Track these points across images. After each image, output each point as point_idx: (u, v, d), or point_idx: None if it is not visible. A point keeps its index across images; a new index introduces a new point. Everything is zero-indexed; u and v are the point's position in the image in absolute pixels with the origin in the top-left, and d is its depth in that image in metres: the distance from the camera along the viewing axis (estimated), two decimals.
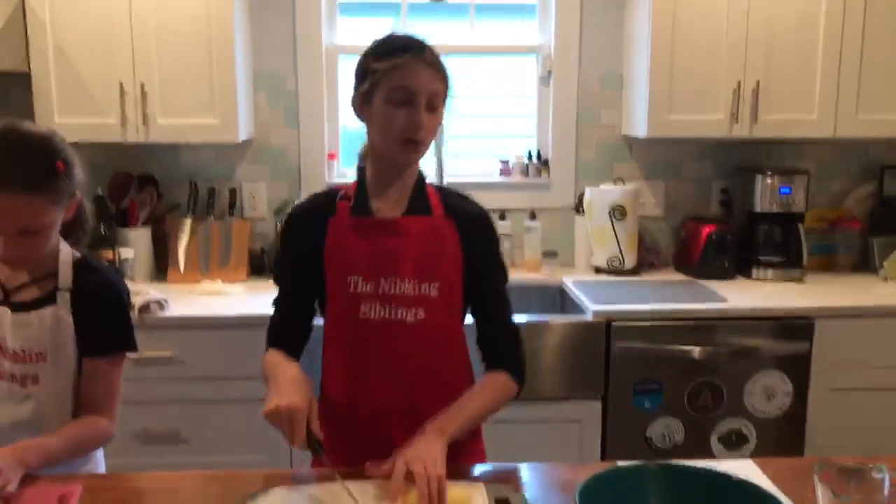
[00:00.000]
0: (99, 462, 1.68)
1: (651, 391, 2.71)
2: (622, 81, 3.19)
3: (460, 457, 1.51)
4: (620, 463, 1.37)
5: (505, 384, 1.58)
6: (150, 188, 3.08)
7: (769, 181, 3.04)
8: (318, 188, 3.10)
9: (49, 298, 1.55)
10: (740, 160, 3.25)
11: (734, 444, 2.74)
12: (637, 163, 3.28)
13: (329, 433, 1.47)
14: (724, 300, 2.77)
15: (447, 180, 3.00)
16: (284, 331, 1.63)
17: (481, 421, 1.58)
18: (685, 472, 1.29)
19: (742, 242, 3.13)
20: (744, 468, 1.45)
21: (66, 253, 1.58)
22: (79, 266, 1.59)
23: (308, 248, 1.57)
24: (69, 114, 2.75)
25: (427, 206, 1.57)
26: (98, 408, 1.58)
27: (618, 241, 3.09)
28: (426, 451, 1.36)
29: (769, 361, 2.70)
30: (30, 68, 2.72)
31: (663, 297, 2.81)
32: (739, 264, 3.12)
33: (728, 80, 2.89)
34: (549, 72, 3.23)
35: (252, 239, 3.12)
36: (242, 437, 2.61)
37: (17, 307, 1.54)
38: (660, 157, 3.27)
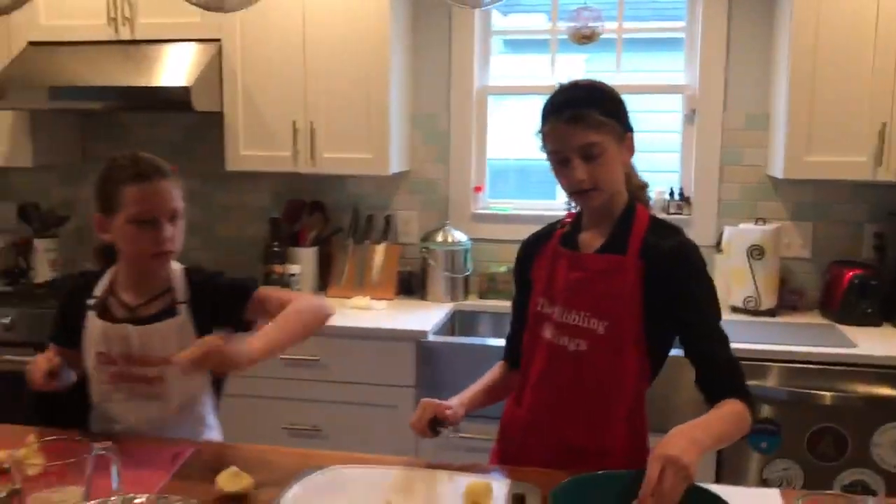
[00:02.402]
0: (213, 429, 1.94)
1: (769, 432, 2.68)
2: (768, 120, 3.19)
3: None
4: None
5: (742, 413, 1.52)
6: (319, 214, 3.50)
7: None
8: (464, 219, 3.40)
9: (170, 312, 1.82)
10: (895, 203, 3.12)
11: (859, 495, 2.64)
12: (783, 203, 3.24)
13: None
14: (854, 345, 2.69)
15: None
16: (511, 344, 1.86)
17: (724, 444, 1.51)
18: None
19: (893, 289, 2.99)
20: (764, 496, 1.51)
21: (177, 269, 1.88)
22: (187, 274, 1.88)
23: (525, 272, 1.80)
24: (252, 147, 3.22)
25: (624, 245, 1.64)
26: (288, 301, 1.81)
27: (755, 282, 3.08)
28: (680, 459, 1.31)
29: None
30: (222, 109, 3.22)
31: (791, 339, 2.78)
32: (888, 312, 2.99)
33: (872, 121, 2.81)
34: (694, 111, 3.29)
35: (401, 262, 3.43)
36: (375, 437, 2.89)
37: (142, 321, 1.81)
38: (808, 197, 3.21)
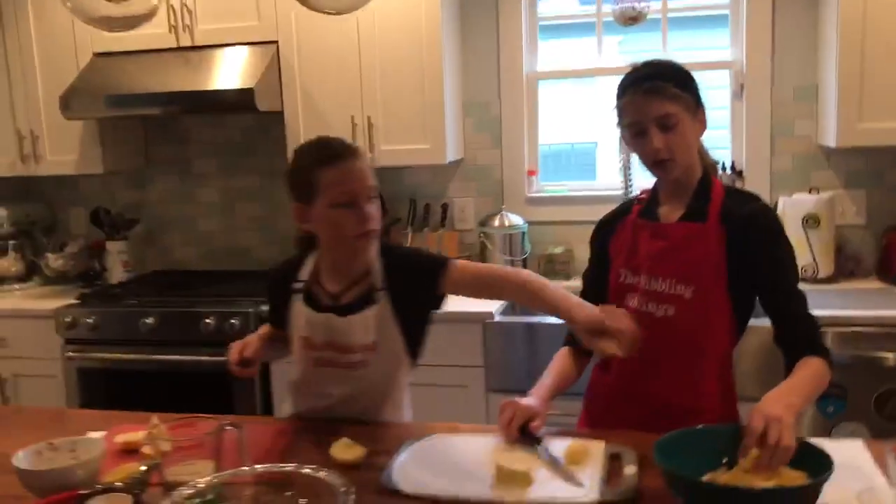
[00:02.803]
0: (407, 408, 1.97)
1: (835, 395, 2.74)
2: (817, 92, 3.23)
3: None
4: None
5: (823, 369, 1.60)
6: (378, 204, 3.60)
7: None
8: (519, 203, 3.49)
9: (369, 299, 1.80)
10: None
11: None
12: (835, 171, 3.28)
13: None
14: None
15: (635, 192, 3.23)
16: None
17: (812, 399, 1.61)
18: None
19: None
20: (851, 448, 1.59)
21: (375, 252, 1.82)
22: (383, 254, 1.83)
23: (603, 248, 1.87)
24: None
25: (703, 212, 1.72)
26: (499, 273, 1.84)
27: (811, 250, 3.13)
28: (783, 417, 1.37)
29: None
30: (283, 108, 3.34)
31: (852, 303, 2.83)
32: None
33: None
34: (742, 86, 3.34)
35: (460, 248, 3.53)
36: (447, 417, 2.96)
37: (344, 311, 1.81)
38: (860, 165, 3.25)
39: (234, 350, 1.86)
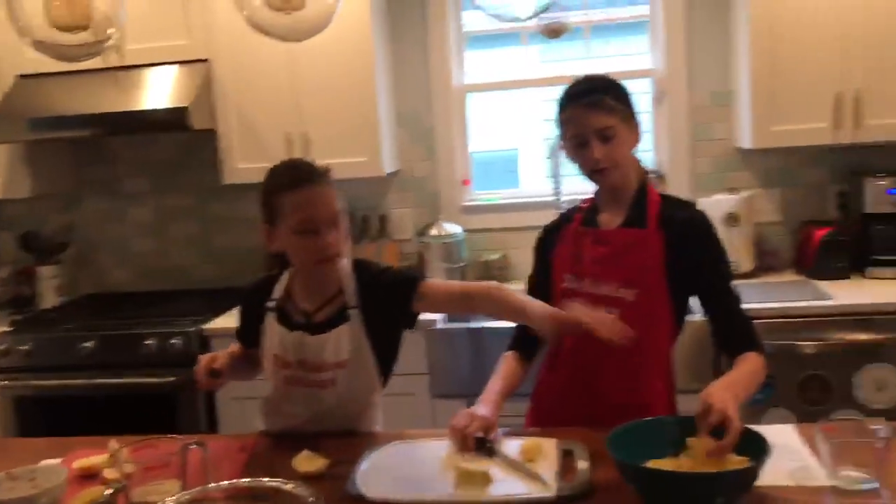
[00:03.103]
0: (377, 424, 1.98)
1: (763, 384, 2.89)
2: (732, 96, 3.41)
3: None
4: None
5: (759, 363, 1.73)
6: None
7: (878, 183, 3.14)
8: (455, 212, 3.57)
9: (342, 317, 1.83)
10: (856, 164, 3.36)
11: None
12: (752, 172, 3.46)
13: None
14: (830, 298, 2.93)
15: (565, 197, 3.35)
16: (524, 331, 1.92)
17: (753, 393, 1.70)
18: (693, 421, 1.51)
19: (857, 243, 3.24)
20: (783, 431, 1.71)
21: (346, 269, 1.86)
22: (355, 270, 1.87)
23: (546, 256, 1.95)
24: (248, 160, 3.34)
25: (643, 218, 1.82)
26: (473, 288, 1.90)
27: (732, 248, 3.29)
28: (729, 409, 1.46)
29: (878, 355, 2.83)
30: (216, 126, 3.34)
31: (771, 296, 3.00)
32: (856, 264, 3.23)
33: (829, 89, 3.04)
34: (662, 92, 3.50)
35: (400, 258, 3.59)
36: (394, 424, 3.03)
37: (316, 329, 1.84)
38: (774, 164, 3.44)
39: (204, 361, 1.84)
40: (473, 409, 1.77)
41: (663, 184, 3.50)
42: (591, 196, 1.95)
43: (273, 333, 1.88)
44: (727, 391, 1.54)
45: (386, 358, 1.92)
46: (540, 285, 1.98)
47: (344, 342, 1.83)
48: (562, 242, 1.93)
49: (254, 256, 3.57)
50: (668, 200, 1.88)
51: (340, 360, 1.83)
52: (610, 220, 1.89)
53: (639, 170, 1.90)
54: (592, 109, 1.77)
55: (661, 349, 1.85)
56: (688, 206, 1.88)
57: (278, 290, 1.91)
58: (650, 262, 1.80)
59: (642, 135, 1.88)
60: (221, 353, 1.88)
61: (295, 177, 1.79)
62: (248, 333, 1.95)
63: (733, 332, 1.79)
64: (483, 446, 1.69)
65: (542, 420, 1.96)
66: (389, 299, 1.85)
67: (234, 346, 1.99)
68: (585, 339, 1.78)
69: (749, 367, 1.73)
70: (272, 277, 1.94)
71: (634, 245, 1.82)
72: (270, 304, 1.90)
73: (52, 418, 3.18)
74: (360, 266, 1.90)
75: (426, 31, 3.54)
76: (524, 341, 1.97)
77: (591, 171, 1.82)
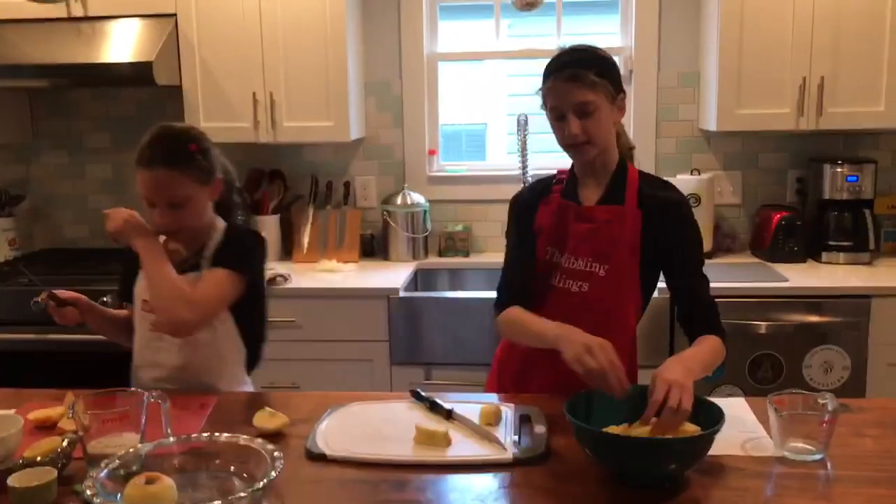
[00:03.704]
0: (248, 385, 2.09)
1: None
2: (699, 79, 3.44)
3: None
4: None
5: (720, 346, 1.77)
6: (279, 182, 3.60)
7: (838, 170, 3.21)
8: (420, 182, 3.57)
9: (196, 266, 1.93)
10: (815, 151, 3.43)
11: None
12: (715, 154, 3.51)
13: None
14: (785, 280, 3.00)
15: (531, 173, 3.37)
16: (520, 289, 1.89)
17: (708, 372, 1.71)
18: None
19: (814, 228, 3.31)
20: (736, 405, 1.76)
21: (219, 228, 1.98)
22: (226, 231, 1.99)
23: (528, 225, 1.91)
24: (212, 119, 3.29)
25: (621, 196, 1.83)
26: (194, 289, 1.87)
27: None
28: (683, 382, 1.48)
29: (827, 337, 2.91)
30: (181, 83, 3.28)
31: (728, 277, 3.05)
32: (811, 249, 3.31)
33: (794, 76, 3.09)
34: (630, 71, 3.52)
35: (363, 226, 3.58)
36: (350, 390, 3.05)
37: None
38: (737, 148, 3.50)
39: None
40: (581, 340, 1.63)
41: (633, 159, 3.53)
42: (567, 169, 1.94)
43: (142, 280, 1.97)
44: (679, 366, 1.56)
45: (243, 315, 1.98)
46: (521, 256, 1.93)
47: None
48: (542, 213, 1.90)
49: None
50: (646, 179, 1.89)
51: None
52: (589, 195, 1.88)
53: (621, 145, 1.90)
54: (573, 83, 1.75)
55: (626, 325, 1.87)
56: (667, 186, 1.88)
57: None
58: (624, 239, 1.82)
59: (625, 109, 1.85)
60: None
61: (147, 155, 1.87)
62: (127, 288, 2.04)
63: (698, 315, 1.83)
64: (436, 406, 1.73)
65: (504, 386, 1.98)
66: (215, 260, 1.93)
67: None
68: (556, 312, 1.81)
69: (706, 345, 1.76)
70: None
71: (612, 222, 1.83)
72: None
73: (4, 373, 3.12)
74: (230, 229, 2.01)
75: None
76: (522, 294, 1.90)
77: (568, 145, 1.81)
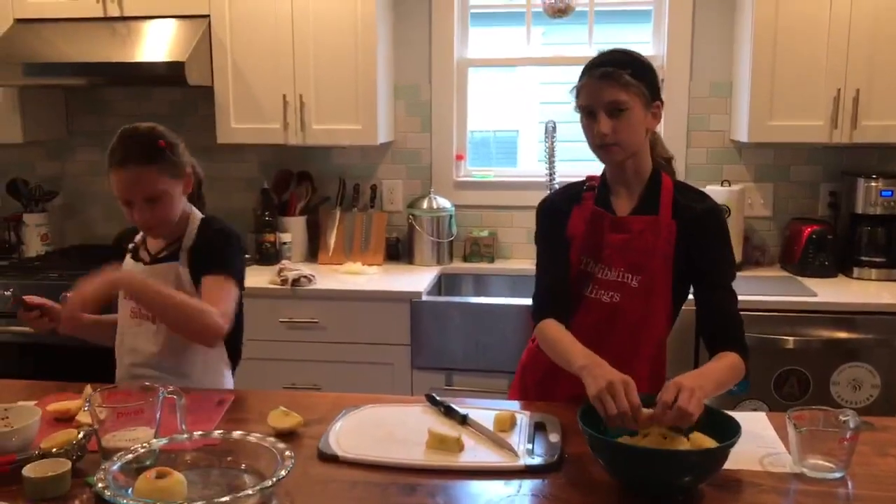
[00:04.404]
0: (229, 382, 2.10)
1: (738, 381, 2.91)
2: (731, 89, 3.40)
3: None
4: None
5: (738, 364, 1.72)
6: (307, 183, 3.62)
7: (872, 184, 3.15)
8: (447, 187, 3.57)
9: (174, 255, 1.99)
10: (849, 165, 3.37)
11: None
12: (746, 166, 3.47)
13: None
14: (814, 294, 2.94)
15: (558, 180, 3.35)
16: (556, 297, 1.86)
17: (722, 390, 1.66)
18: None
19: (845, 243, 3.25)
20: (756, 419, 1.73)
21: (195, 220, 2.03)
22: (202, 225, 2.03)
23: (560, 231, 1.88)
24: (242, 121, 3.33)
25: (656, 206, 1.81)
26: (210, 304, 1.89)
27: None
28: (693, 387, 1.47)
29: (856, 354, 2.85)
30: (213, 83, 3.31)
31: (756, 290, 3.01)
32: (843, 264, 3.25)
33: (828, 87, 3.04)
34: (662, 80, 3.47)
35: (388, 229, 3.59)
36: (372, 392, 3.05)
37: (152, 263, 2.01)
38: (768, 160, 3.45)
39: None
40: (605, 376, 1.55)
41: (673, 170, 3.49)
42: (598, 175, 1.90)
43: (127, 268, 2.05)
44: (695, 380, 1.53)
45: None
46: (554, 262, 1.88)
47: (170, 278, 1.96)
48: (574, 220, 1.87)
49: (245, 216, 3.56)
50: (681, 189, 1.85)
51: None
52: (622, 204, 1.85)
53: (657, 153, 1.87)
54: (606, 81, 1.72)
55: (655, 336, 1.85)
56: (703, 198, 1.85)
57: (140, 235, 2.10)
58: (658, 250, 1.79)
59: (661, 118, 1.82)
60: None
61: (119, 156, 1.90)
62: None
63: (721, 330, 1.79)
64: (452, 411, 1.72)
65: (527, 394, 1.96)
66: (200, 263, 1.97)
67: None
68: (586, 321, 1.81)
69: (725, 362, 1.72)
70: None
71: (646, 231, 1.80)
72: (130, 246, 2.11)
73: (30, 365, 3.17)
74: (207, 222, 2.04)
75: (430, 2, 3.51)
76: (559, 304, 1.86)
77: (598, 145, 1.78)
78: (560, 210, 1.90)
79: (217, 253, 1.98)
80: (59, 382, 2.00)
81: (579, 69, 1.84)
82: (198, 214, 2.06)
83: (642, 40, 3.57)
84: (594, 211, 1.85)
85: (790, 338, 2.88)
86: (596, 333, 1.80)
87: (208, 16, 3.27)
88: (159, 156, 1.92)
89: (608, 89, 1.72)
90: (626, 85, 1.72)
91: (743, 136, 3.21)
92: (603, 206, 1.85)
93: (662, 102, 1.82)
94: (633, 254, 1.80)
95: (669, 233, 1.79)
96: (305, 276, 3.13)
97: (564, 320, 1.83)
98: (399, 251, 3.58)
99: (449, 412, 1.72)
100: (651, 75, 1.78)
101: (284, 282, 3.09)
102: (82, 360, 3.13)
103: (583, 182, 1.92)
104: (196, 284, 1.96)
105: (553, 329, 1.81)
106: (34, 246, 3.62)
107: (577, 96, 1.79)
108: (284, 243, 3.48)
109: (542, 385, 1.93)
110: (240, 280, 1.99)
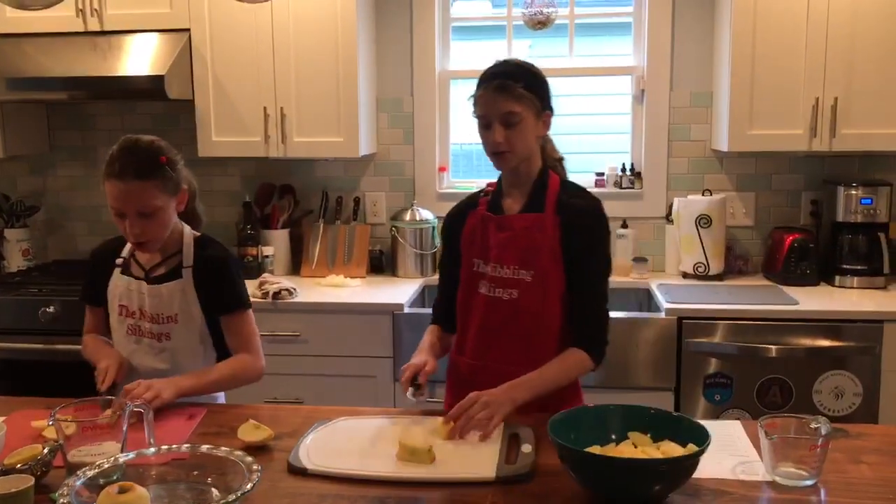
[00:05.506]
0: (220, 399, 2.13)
1: (721, 385, 2.92)
2: (711, 98, 3.41)
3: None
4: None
5: (579, 360, 1.85)
6: (289, 196, 3.61)
7: (852, 192, 3.16)
8: (430, 199, 3.56)
9: (176, 273, 2.00)
10: (830, 173, 3.38)
11: None
12: (728, 175, 3.47)
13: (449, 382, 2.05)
14: (796, 303, 2.94)
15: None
16: (443, 308, 2.06)
17: (552, 389, 1.81)
18: (638, 410, 1.55)
19: (827, 251, 3.26)
20: (730, 427, 1.72)
21: (189, 235, 2.04)
22: (197, 243, 2.04)
23: (454, 240, 2.00)
24: (223, 134, 3.32)
25: (541, 204, 1.90)
26: (241, 349, 2.02)
27: (703, 248, 3.30)
28: (496, 405, 1.67)
29: (838, 362, 2.85)
30: (194, 97, 3.31)
31: (738, 298, 3.01)
32: (825, 272, 3.25)
33: (807, 96, 3.05)
34: (643, 91, 3.49)
35: (372, 242, 3.58)
36: (355, 405, 3.04)
37: (153, 281, 2.01)
38: (749, 169, 3.46)
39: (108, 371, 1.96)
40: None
41: (640, 182, 3.51)
42: (495, 181, 2.01)
43: (119, 284, 2.04)
44: (505, 393, 1.71)
45: (220, 331, 2.05)
46: (449, 269, 2.04)
47: (176, 296, 1.98)
48: (468, 227, 1.98)
49: (228, 229, 3.55)
50: (565, 186, 1.94)
51: (172, 314, 1.99)
52: (512, 204, 1.95)
53: (547, 156, 1.96)
54: (501, 94, 1.82)
55: (555, 325, 1.90)
56: (585, 195, 1.94)
57: (127, 249, 2.07)
58: (545, 245, 1.87)
59: (550, 126, 1.92)
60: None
61: (118, 167, 1.88)
62: (95, 289, 2.09)
63: (579, 326, 1.88)
64: (414, 386, 1.83)
65: (457, 398, 1.95)
66: (216, 295, 2.01)
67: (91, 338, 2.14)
68: (490, 320, 1.92)
69: (558, 365, 1.83)
70: (121, 238, 2.06)
71: (532, 229, 1.89)
72: (119, 260, 2.07)
73: (13, 381, 3.14)
74: (203, 241, 2.06)
75: (412, 16, 3.52)
76: (446, 313, 2.05)
77: (492, 153, 1.87)
78: (456, 219, 2.03)
79: (228, 287, 2.02)
80: (27, 398, 1.98)
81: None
82: (189, 230, 2.06)
83: (623, 52, 3.58)
84: (482, 214, 1.95)
85: (773, 346, 2.88)
86: (499, 330, 1.90)
87: (189, 30, 3.27)
88: (158, 171, 1.91)
89: (502, 101, 1.82)
90: (518, 97, 1.82)
91: (723, 145, 3.22)
92: (495, 209, 1.95)
93: (552, 111, 1.91)
94: (521, 250, 1.88)
95: (554, 228, 1.87)
96: (287, 290, 3.11)
97: (453, 324, 2.02)
98: (382, 263, 3.57)
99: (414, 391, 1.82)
100: (543, 87, 1.89)
101: (266, 295, 3.08)
102: (55, 376, 3.12)
103: (481, 190, 2.04)
104: (201, 297, 2.00)
105: (427, 333, 2.03)
106: (16, 261, 3.60)
107: (474, 106, 1.89)
108: (267, 256, 3.47)
109: (468, 388, 1.89)
110: (250, 304, 2.07)
